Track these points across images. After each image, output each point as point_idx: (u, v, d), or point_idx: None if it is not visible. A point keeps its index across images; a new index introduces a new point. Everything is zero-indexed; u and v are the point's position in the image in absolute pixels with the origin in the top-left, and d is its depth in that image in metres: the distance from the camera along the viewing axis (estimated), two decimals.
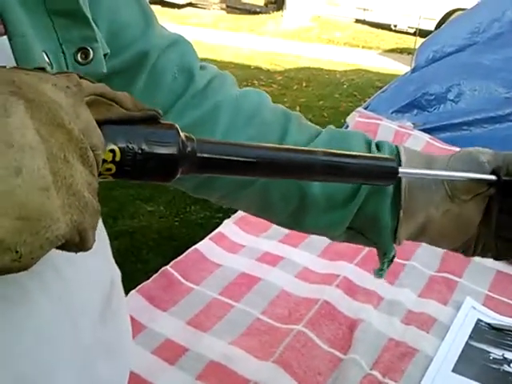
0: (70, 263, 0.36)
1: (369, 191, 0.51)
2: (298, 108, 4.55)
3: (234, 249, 0.97)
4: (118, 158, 0.29)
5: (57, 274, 0.35)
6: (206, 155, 0.34)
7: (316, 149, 0.41)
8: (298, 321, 0.79)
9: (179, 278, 0.87)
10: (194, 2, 9.71)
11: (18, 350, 0.32)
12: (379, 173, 0.44)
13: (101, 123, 0.28)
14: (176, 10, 9.41)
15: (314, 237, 0.98)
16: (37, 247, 0.24)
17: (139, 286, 0.84)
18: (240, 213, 1.07)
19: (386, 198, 0.51)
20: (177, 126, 0.32)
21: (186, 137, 0.32)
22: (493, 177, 0.48)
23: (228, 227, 1.03)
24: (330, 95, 5.01)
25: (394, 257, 0.55)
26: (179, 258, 0.92)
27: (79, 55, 0.39)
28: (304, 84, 5.36)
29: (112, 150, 0.29)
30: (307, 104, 4.70)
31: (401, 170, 0.45)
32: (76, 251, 0.27)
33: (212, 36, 7.45)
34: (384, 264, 0.55)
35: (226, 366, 0.71)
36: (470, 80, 1.64)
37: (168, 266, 0.89)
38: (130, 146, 0.29)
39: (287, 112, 0.55)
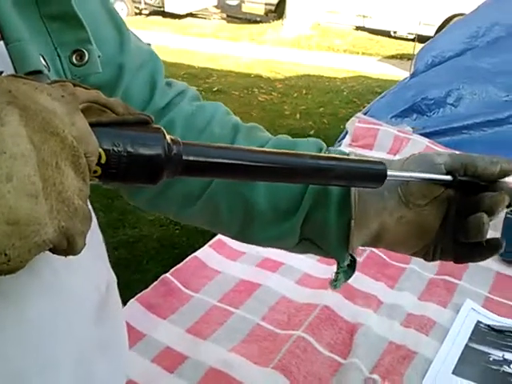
0: (67, 264, 0.37)
1: (314, 200, 0.51)
2: (298, 115, 4.57)
3: (234, 255, 0.97)
4: (103, 161, 0.29)
5: (54, 273, 0.36)
6: (191, 158, 0.34)
7: (304, 152, 0.41)
8: (298, 326, 0.79)
9: (179, 285, 0.87)
10: (194, 12, 9.78)
11: (15, 346, 0.33)
12: (368, 175, 0.44)
13: (91, 125, 0.28)
14: (177, 20, 9.48)
15: None
16: (25, 251, 0.25)
17: (138, 295, 0.84)
18: None
19: (331, 205, 0.50)
20: (163, 129, 0.32)
21: (171, 140, 0.33)
22: (448, 177, 0.47)
23: None
24: (330, 102, 5.02)
25: (353, 267, 0.54)
26: (179, 265, 0.92)
27: (74, 57, 0.40)
28: (304, 91, 5.38)
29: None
30: (307, 111, 4.71)
31: (389, 172, 0.45)
32: (64, 255, 0.28)
33: (212, 45, 7.48)
34: (338, 274, 0.54)
35: (226, 373, 0.71)
36: (470, 84, 1.65)
37: (168, 274, 0.89)
38: (116, 148, 0.30)
39: (238, 124, 0.55)
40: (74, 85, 0.29)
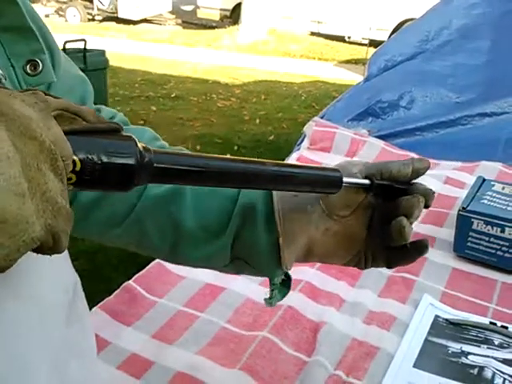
0: (34, 267, 0.37)
1: (242, 220, 0.52)
2: (257, 120, 4.60)
3: None
4: (78, 168, 0.30)
5: (22, 277, 0.36)
6: (162, 165, 0.35)
7: (266, 160, 0.43)
8: (263, 327, 0.80)
9: (142, 292, 0.87)
10: (148, 18, 9.71)
11: None
12: (325, 182, 0.47)
13: (65, 133, 0.29)
14: (131, 26, 9.39)
15: None
16: (14, 250, 0.25)
17: (102, 302, 0.83)
18: None
19: (258, 224, 0.52)
20: (134, 137, 0.33)
21: (143, 148, 0.34)
22: (366, 181, 0.50)
23: None
24: (288, 107, 5.08)
25: (288, 284, 0.55)
26: (141, 272, 0.91)
27: (28, 67, 0.40)
28: (263, 97, 5.42)
29: (73, 161, 0.30)
30: (267, 116, 4.75)
31: (345, 179, 0.48)
32: (50, 254, 0.28)
33: (169, 51, 7.46)
34: (273, 291, 0.55)
35: (193, 376, 0.71)
36: (421, 87, 1.70)
37: (131, 281, 0.88)
38: (90, 156, 0.30)
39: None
40: (45, 93, 0.30)
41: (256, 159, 0.42)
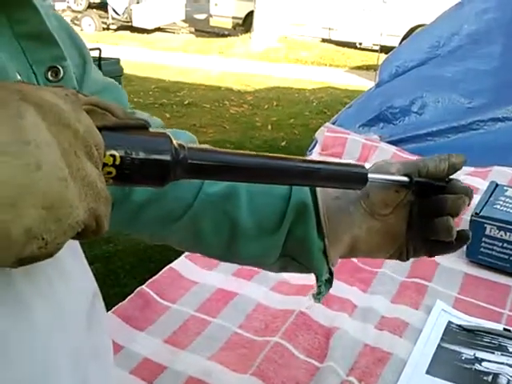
0: (59, 272, 0.38)
1: (295, 216, 0.54)
2: (269, 126, 4.61)
3: (210, 265, 0.97)
4: (118, 162, 0.31)
5: (49, 281, 0.37)
6: (196, 162, 0.37)
7: (295, 157, 0.44)
8: (275, 332, 0.80)
9: (155, 297, 0.87)
10: (162, 26, 9.79)
11: (20, 352, 0.33)
12: (351, 178, 0.48)
13: (98, 129, 0.30)
14: (145, 34, 9.47)
15: None
16: (60, 233, 0.26)
17: (115, 307, 0.84)
18: None
19: (310, 222, 0.53)
20: (169, 134, 0.35)
21: (178, 145, 0.35)
22: (405, 178, 0.51)
23: None
24: (300, 113, 5.08)
25: (331, 280, 0.57)
26: (155, 277, 0.92)
27: (49, 74, 0.41)
28: (274, 103, 5.43)
29: (112, 155, 0.31)
30: (278, 123, 4.75)
31: (370, 175, 0.48)
32: (93, 237, 0.29)
33: (182, 59, 7.51)
34: (320, 287, 0.57)
35: (205, 382, 0.71)
36: (433, 92, 1.70)
37: (144, 286, 0.89)
38: (129, 151, 0.32)
39: None
40: (76, 91, 0.31)
41: (285, 156, 0.44)
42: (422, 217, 0.53)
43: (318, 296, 0.57)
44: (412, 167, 0.52)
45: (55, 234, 0.26)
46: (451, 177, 0.53)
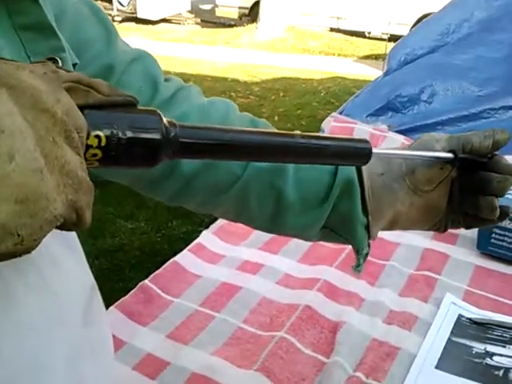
0: (52, 265, 0.37)
1: (341, 192, 0.54)
2: (276, 117, 4.58)
3: (214, 259, 0.96)
4: (103, 143, 0.29)
5: (39, 274, 0.36)
6: (188, 140, 0.34)
7: (294, 132, 0.42)
8: (280, 327, 0.78)
9: (158, 291, 0.86)
10: (167, 17, 9.74)
11: (11, 349, 0.32)
12: (354, 154, 0.45)
13: (81, 108, 0.28)
14: (150, 26, 9.43)
15: (293, 243, 0.98)
16: (37, 228, 0.24)
17: (118, 302, 0.82)
18: (218, 223, 1.06)
19: (356, 197, 0.54)
20: (159, 111, 0.32)
21: (168, 122, 0.33)
22: (450, 154, 0.51)
23: (207, 238, 1.02)
24: (307, 104, 5.04)
25: (368, 252, 0.58)
26: (158, 271, 0.91)
27: None
28: (281, 94, 5.40)
29: (97, 136, 0.29)
30: (285, 113, 4.72)
31: (374, 150, 0.46)
32: (74, 230, 0.28)
33: (188, 50, 7.47)
34: (360, 259, 0.57)
35: (209, 377, 0.70)
36: (442, 80, 1.66)
37: (146, 281, 0.88)
38: (115, 131, 0.29)
39: (254, 119, 0.57)
40: (56, 66, 0.29)
41: (285, 132, 0.41)
42: (464, 192, 0.54)
43: (357, 268, 0.58)
44: (456, 143, 0.52)
45: (31, 229, 0.24)
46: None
